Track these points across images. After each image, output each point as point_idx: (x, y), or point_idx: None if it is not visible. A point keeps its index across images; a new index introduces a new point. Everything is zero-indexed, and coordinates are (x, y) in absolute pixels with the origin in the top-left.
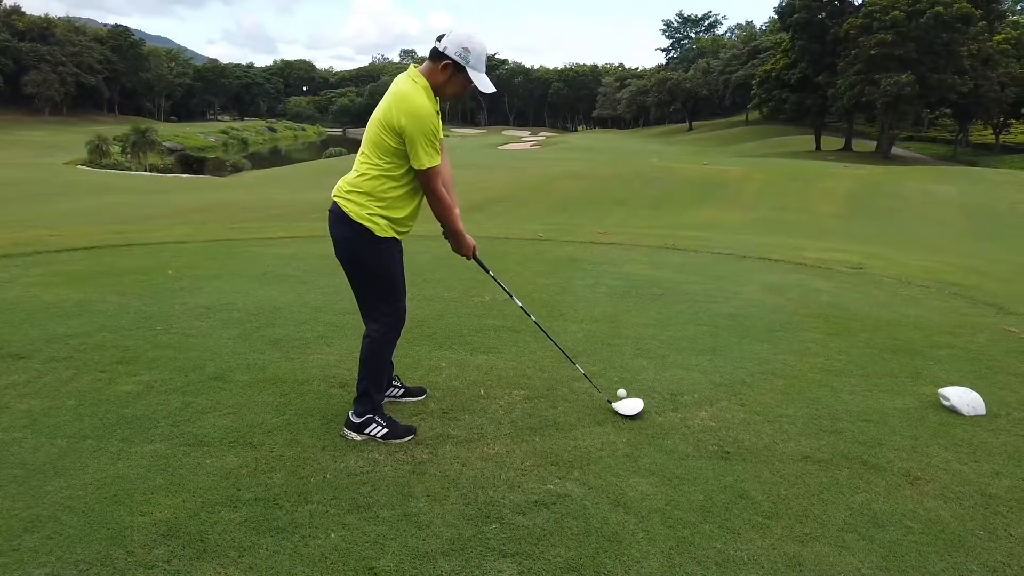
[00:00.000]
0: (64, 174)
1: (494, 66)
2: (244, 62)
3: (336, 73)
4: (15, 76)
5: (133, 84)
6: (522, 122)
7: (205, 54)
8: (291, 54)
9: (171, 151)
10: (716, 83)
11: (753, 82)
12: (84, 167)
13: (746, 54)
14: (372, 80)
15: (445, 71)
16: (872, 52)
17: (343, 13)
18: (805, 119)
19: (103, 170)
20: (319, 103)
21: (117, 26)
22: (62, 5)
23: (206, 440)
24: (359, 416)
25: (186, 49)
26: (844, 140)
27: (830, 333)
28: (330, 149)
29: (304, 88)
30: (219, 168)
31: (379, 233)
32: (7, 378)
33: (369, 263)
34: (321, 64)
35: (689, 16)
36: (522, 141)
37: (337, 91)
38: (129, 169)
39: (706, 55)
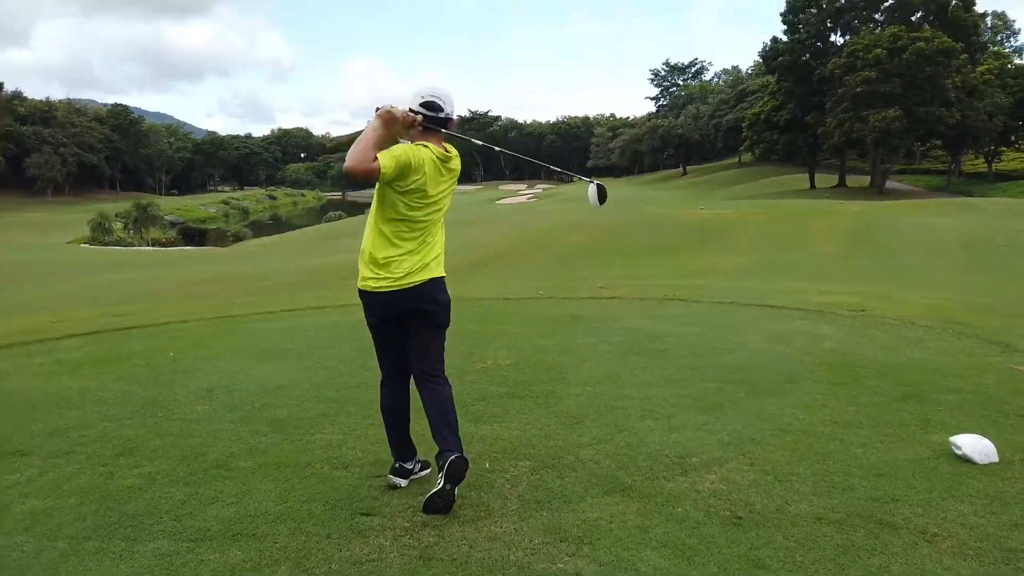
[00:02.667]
0: (67, 253)
1: (487, 123)
2: (242, 133)
3: (333, 138)
4: (17, 159)
5: (134, 161)
6: (517, 176)
7: (204, 127)
8: (288, 122)
9: (173, 224)
10: (707, 128)
11: (743, 125)
12: (87, 245)
13: (734, 98)
14: None
15: (453, 127)
16: (858, 90)
17: (337, 79)
18: (797, 158)
19: (106, 247)
20: (317, 168)
21: (117, 105)
22: (63, 87)
23: (209, 534)
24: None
25: (185, 123)
26: (838, 177)
27: (837, 382)
28: (330, 213)
29: (302, 155)
30: (221, 239)
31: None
32: (9, 477)
33: (448, 315)
34: (318, 130)
35: (676, 64)
36: (519, 195)
37: (335, 156)
38: (132, 245)
39: (695, 101)
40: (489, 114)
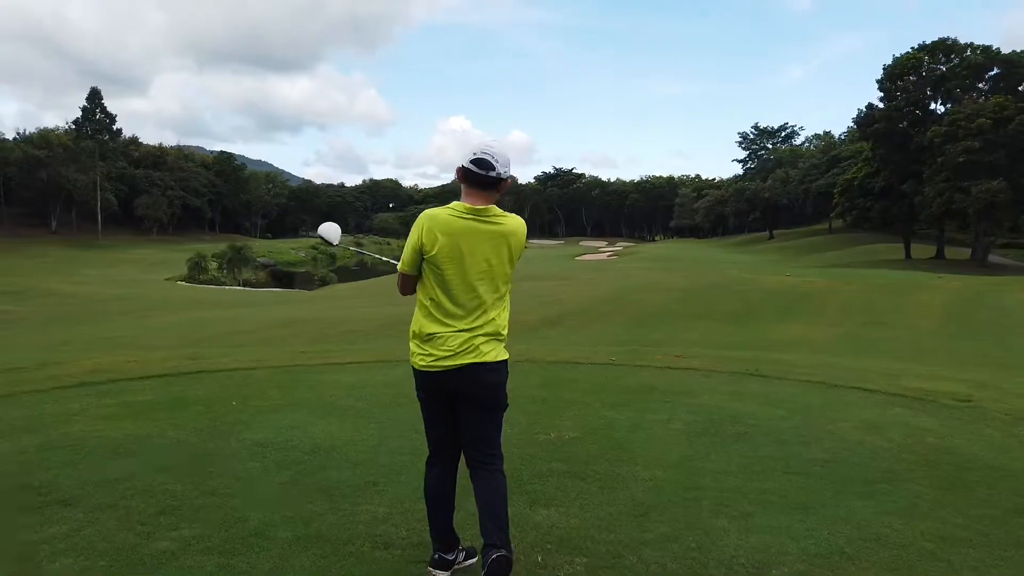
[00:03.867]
0: (164, 289)
1: (571, 180)
2: (336, 182)
3: (421, 190)
4: (128, 199)
5: (233, 205)
6: (599, 233)
7: (301, 175)
8: (380, 173)
9: (264, 266)
10: (796, 192)
11: (835, 191)
12: (183, 283)
13: (826, 163)
14: (454, 196)
15: (507, 187)
16: (960, 159)
17: (428, 134)
18: (892, 227)
19: (200, 285)
20: (404, 219)
21: (222, 153)
22: (175, 134)
23: None
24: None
25: (283, 171)
26: (936, 248)
27: (941, 487)
28: None
29: (391, 204)
30: (307, 282)
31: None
32: (48, 529)
33: (505, 398)
34: (407, 182)
35: (765, 128)
36: (599, 251)
37: (420, 207)
38: (224, 284)
39: (784, 165)
40: (573, 171)
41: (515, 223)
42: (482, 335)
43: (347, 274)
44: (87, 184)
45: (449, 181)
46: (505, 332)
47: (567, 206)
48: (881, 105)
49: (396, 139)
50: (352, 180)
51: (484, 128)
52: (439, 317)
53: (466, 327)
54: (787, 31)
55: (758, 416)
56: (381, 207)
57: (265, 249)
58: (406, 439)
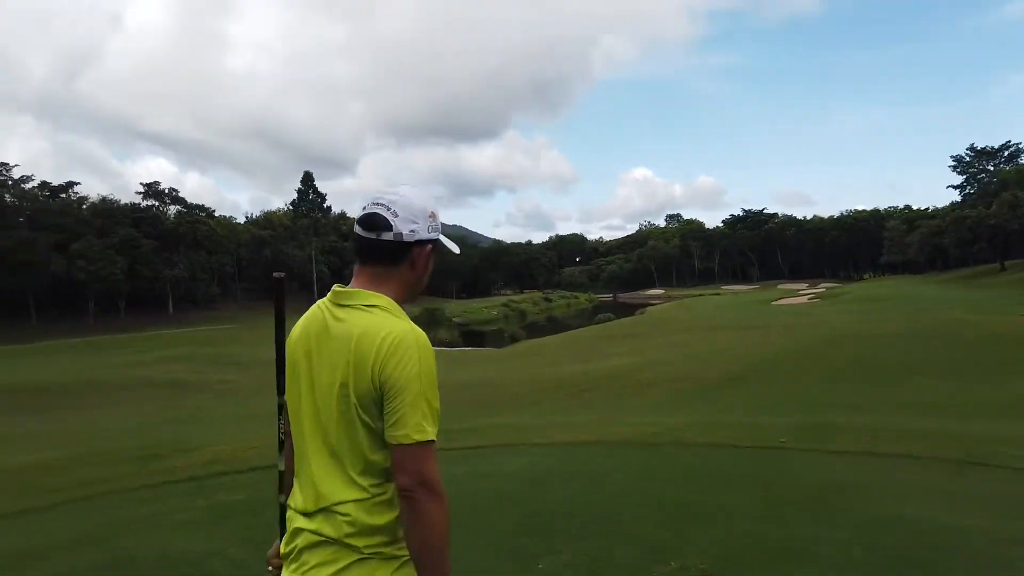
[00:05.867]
0: None
1: (762, 221)
2: (524, 240)
3: (606, 242)
4: (339, 270)
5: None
6: (798, 274)
7: (491, 236)
8: (566, 229)
9: (459, 326)
10: None
11: None
12: None
13: None
14: (639, 246)
15: (427, 258)
16: None
17: (610, 187)
18: None
19: None
20: (590, 272)
21: None
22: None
23: None
24: None
25: (475, 233)
26: None
27: None
28: (599, 316)
29: (577, 259)
30: (497, 339)
31: None
32: None
33: None
34: (592, 235)
35: (984, 148)
36: (799, 294)
37: (606, 259)
38: None
39: (1011, 187)
40: (764, 212)
41: (379, 323)
42: (318, 536)
43: (536, 330)
44: (303, 258)
45: (634, 231)
46: (374, 541)
47: (759, 248)
48: None
49: (580, 195)
50: (539, 237)
51: (667, 176)
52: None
53: (306, 510)
54: (999, 41)
55: (981, 531)
56: (567, 261)
57: (460, 309)
58: (493, 562)
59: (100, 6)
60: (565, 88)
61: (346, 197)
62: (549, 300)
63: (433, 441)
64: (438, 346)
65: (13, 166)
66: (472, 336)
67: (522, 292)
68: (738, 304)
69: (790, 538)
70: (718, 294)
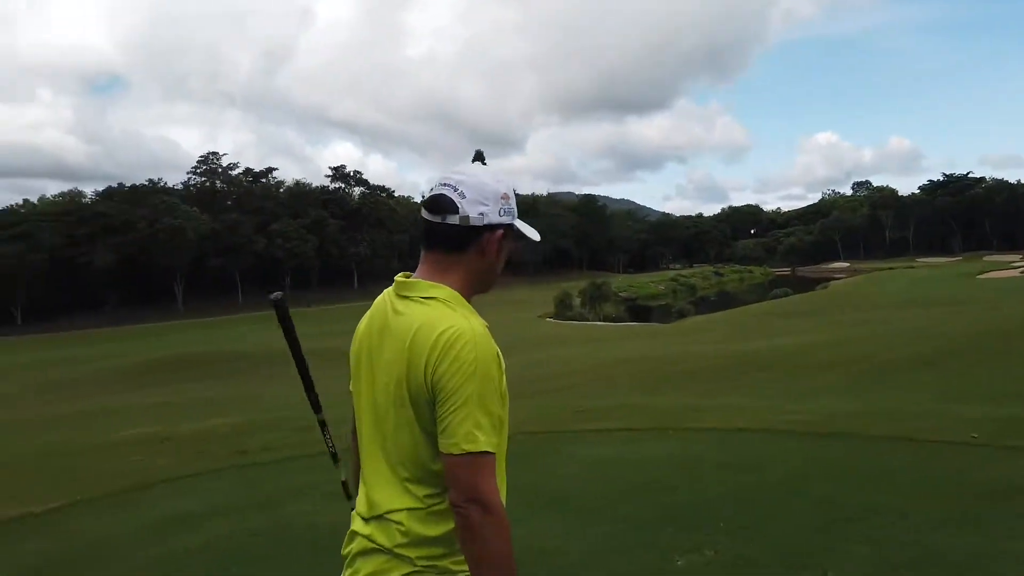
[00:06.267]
0: (532, 326)
1: (967, 186)
2: (694, 213)
3: (784, 213)
4: None
5: (598, 243)
6: (1009, 245)
7: (660, 209)
8: (739, 200)
9: (626, 300)
10: None
11: None
12: (551, 319)
13: None
14: (822, 216)
15: (500, 246)
16: None
17: (789, 154)
18: None
19: (564, 321)
20: (766, 244)
21: (586, 195)
22: (548, 184)
23: None
24: None
25: (644, 207)
26: None
27: None
28: (776, 290)
29: (751, 231)
30: (665, 315)
31: None
32: None
33: None
34: (769, 206)
35: None
36: (1011, 267)
37: (784, 231)
38: (586, 319)
39: None
40: (968, 176)
41: (436, 317)
42: (371, 544)
43: (705, 305)
44: None
45: (816, 200)
46: (429, 553)
47: (963, 216)
48: None
49: (755, 163)
50: (711, 210)
51: (855, 140)
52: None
53: (363, 515)
54: None
55: None
56: (741, 234)
57: (626, 283)
58: (630, 555)
59: (293, 2)
60: (740, 51)
61: (515, 174)
62: (720, 274)
63: (489, 453)
64: (604, 320)
65: (222, 155)
66: (638, 311)
67: (691, 266)
68: (935, 278)
69: (974, 554)
70: (912, 267)
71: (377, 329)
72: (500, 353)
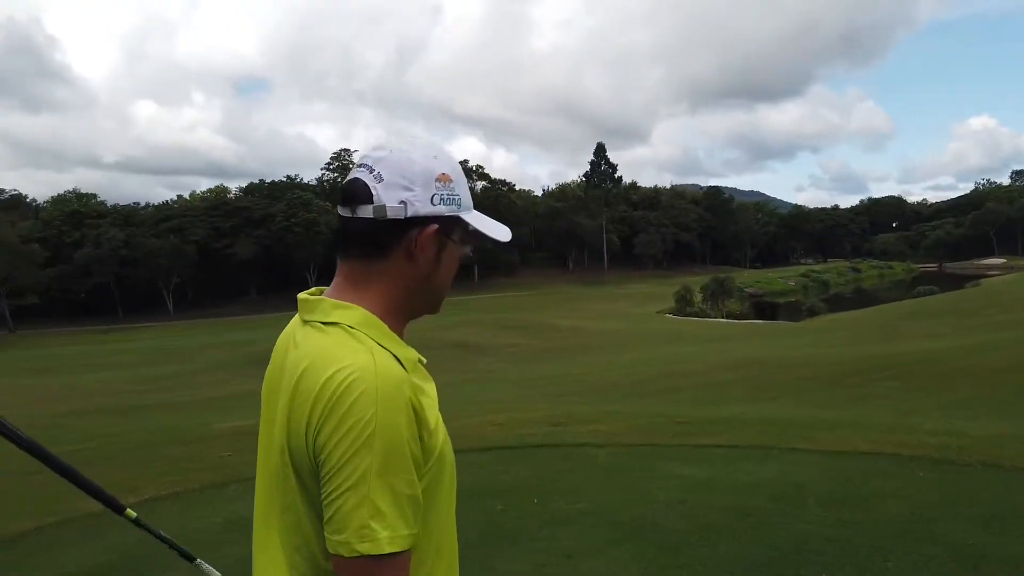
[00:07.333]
0: (649, 322)
1: None
2: (829, 204)
3: (930, 205)
4: (628, 239)
5: (722, 237)
6: None
7: (792, 201)
8: (880, 191)
9: (752, 296)
10: None
11: None
12: (670, 315)
13: None
14: (974, 208)
15: (439, 247)
16: None
17: (939, 141)
18: None
19: (684, 317)
20: (909, 238)
21: (711, 187)
22: (673, 175)
23: None
24: None
25: (774, 199)
26: None
27: None
28: (919, 288)
29: (893, 224)
30: (794, 312)
31: None
32: None
33: None
34: (914, 197)
35: None
36: None
37: (930, 224)
38: (707, 316)
39: None
40: None
41: (329, 354)
42: None
43: (839, 303)
44: (595, 228)
45: (968, 191)
46: None
47: None
48: None
49: (898, 151)
50: (847, 201)
51: (1014, 126)
52: None
53: None
54: None
55: None
56: (882, 227)
57: (753, 279)
58: None
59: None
60: (881, 35)
61: (637, 166)
62: (857, 270)
63: (394, 555)
64: (728, 318)
65: (353, 151)
66: (764, 308)
67: (825, 261)
68: None
69: None
70: None
71: (278, 365)
72: (421, 396)
